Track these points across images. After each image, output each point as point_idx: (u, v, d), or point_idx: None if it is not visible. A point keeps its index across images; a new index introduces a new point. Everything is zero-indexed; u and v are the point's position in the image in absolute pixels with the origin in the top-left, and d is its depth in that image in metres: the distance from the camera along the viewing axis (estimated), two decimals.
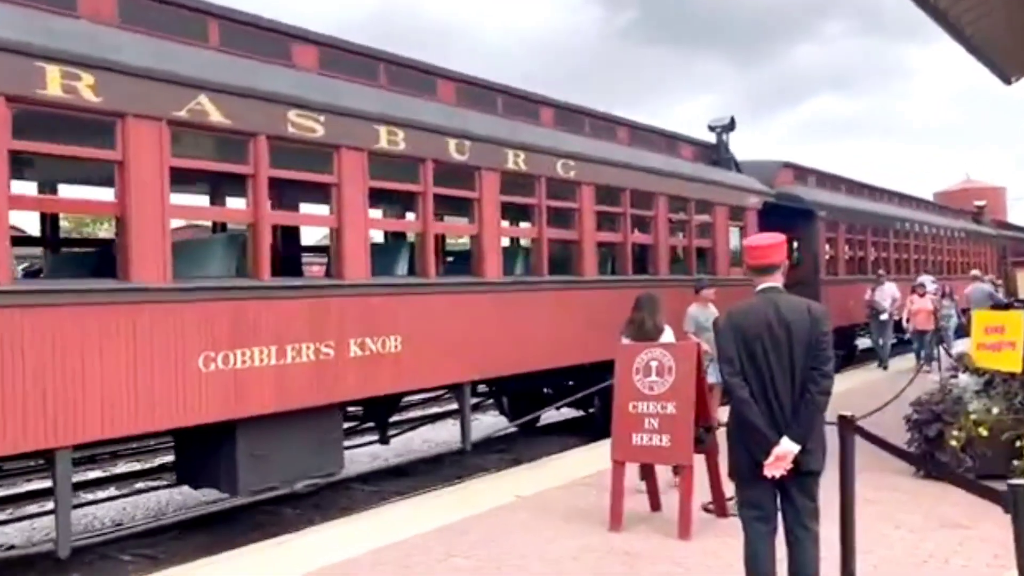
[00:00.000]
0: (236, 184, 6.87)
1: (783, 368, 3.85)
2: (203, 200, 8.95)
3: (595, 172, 10.13)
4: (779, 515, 3.98)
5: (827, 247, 16.84)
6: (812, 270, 16.13)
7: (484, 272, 8.53)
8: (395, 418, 10.78)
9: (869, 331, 16.84)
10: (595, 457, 7.88)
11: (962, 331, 15.08)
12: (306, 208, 9.19)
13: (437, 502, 7.03)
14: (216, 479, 6.51)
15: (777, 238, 4.27)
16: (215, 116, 6.03)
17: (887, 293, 15.81)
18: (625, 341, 6.76)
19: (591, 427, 12.04)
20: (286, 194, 8.33)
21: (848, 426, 4.25)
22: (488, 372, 8.73)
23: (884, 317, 15.78)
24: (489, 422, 13.86)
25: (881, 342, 16.10)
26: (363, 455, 10.43)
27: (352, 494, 8.67)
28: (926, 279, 16.74)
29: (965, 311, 15.93)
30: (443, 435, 12.50)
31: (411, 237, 8.77)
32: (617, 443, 6.11)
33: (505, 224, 9.70)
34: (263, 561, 5.52)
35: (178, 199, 6.53)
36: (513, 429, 11.72)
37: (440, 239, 11.77)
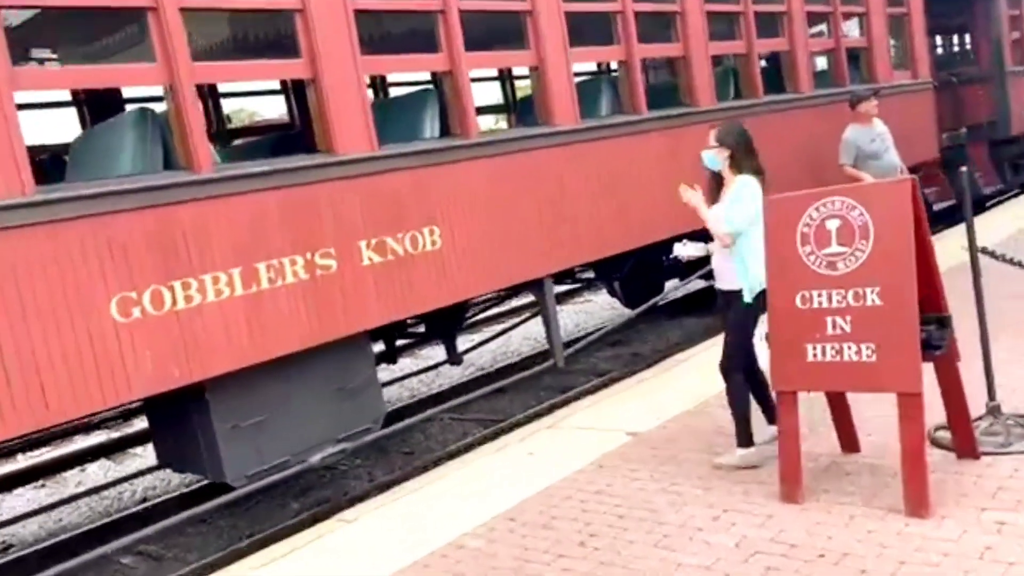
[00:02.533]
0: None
1: None
2: None
3: None
4: None
5: (1010, 28, 13.01)
6: (994, 60, 12.53)
7: (552, 116, 6.01)
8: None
9: None
10: None
11: None
12: None
13: (514, 456, 4.91)
14: (198, 462, 4.58)
15: None
16: None
17: None
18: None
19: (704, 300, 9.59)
20: None
21: None
22: (580, 257, 6.37)
23: None
24: (596, 308, 11.60)
25: None
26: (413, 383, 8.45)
27: (409, 438, 6.69)
28: None
29: None
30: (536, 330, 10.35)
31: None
32: (780, 361, 3.69)
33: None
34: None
35: None
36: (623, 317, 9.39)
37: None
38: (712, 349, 6.69)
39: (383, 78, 8.58)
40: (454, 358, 6.80)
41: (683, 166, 6.90)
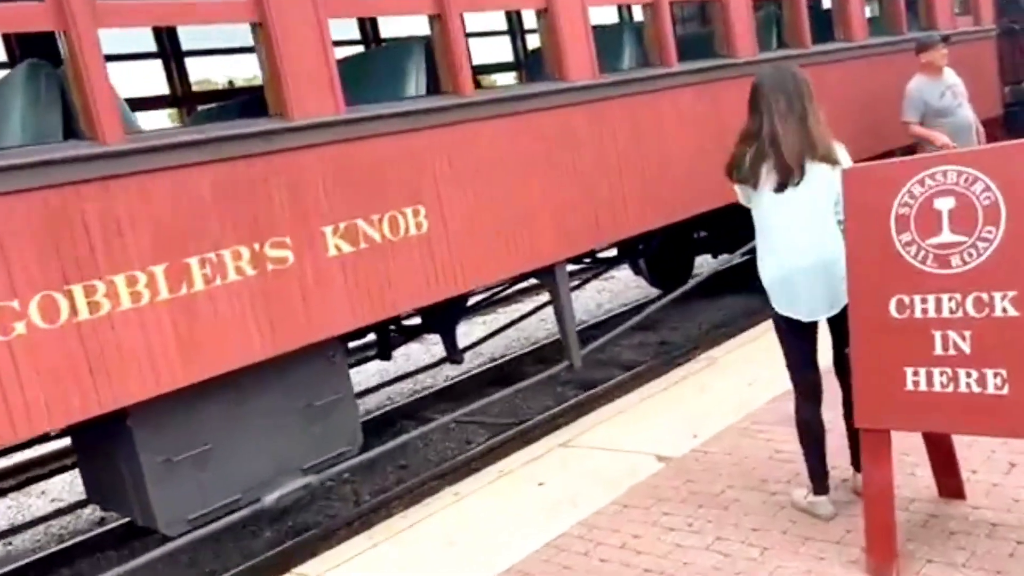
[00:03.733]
0: None
1: None
2: None
3: None
4: None
5: None
6: None
7: (566, 69, 5.00)
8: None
9: None
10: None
11: None
12: None
13: (519, 487, 4.00)
14: (125, 503, 3.71)
15: None
16: None
17: None
18: (739, 191, 3.22)
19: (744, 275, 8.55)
20: None
21: None
22: (598, 238, 5.40)
23: None
24: (619, 286, 10.58)
25: None
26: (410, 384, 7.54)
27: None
28: None
29: None
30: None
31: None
32: (867, 391, 2.72)
33: None
34: None
35: None
36: (651, 298, 8.40)
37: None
38: (756, 340, 5.73)
39: (374, 30, 7.58)
40: (454, 356, 5.87)
41: (720, 127, 5.90)
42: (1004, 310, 2.46)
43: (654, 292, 9.08)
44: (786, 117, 2.96)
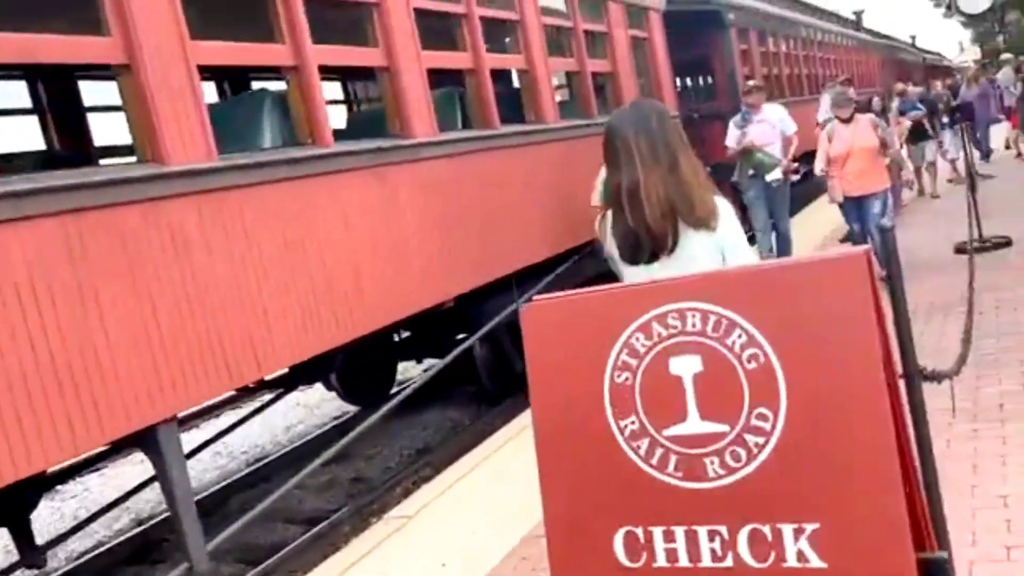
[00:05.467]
0: None
1: None
2: None
3: None
4: None
5: (742, 64, 12.43)
6: (729, 94, 11.83)
7: (164, 152, 3.54)
8: None
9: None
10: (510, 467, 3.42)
11: None
12: None
13: None
14: None
15: None
16: None
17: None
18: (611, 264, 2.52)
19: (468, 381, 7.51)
20: None
21: None
22: (226, 386, 3.88)
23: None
24: (314, 398, 8.95)
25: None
26: None
27: None
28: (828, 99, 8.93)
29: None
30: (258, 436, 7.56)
31: None
32: None
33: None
34: None
35: None
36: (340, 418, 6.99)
37: None
38: (464, 480, 4.55)
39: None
40: (32, 558, 3.99)
41: (396, 218, 4.78)
42: (801, 556, 1.38)
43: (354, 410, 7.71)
44: (650, 167, 2.32)
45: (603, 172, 5.87)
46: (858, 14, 27.06)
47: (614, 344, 1.51)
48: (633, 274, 2.34)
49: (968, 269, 5.66)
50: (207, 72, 6.68)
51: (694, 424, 1.46)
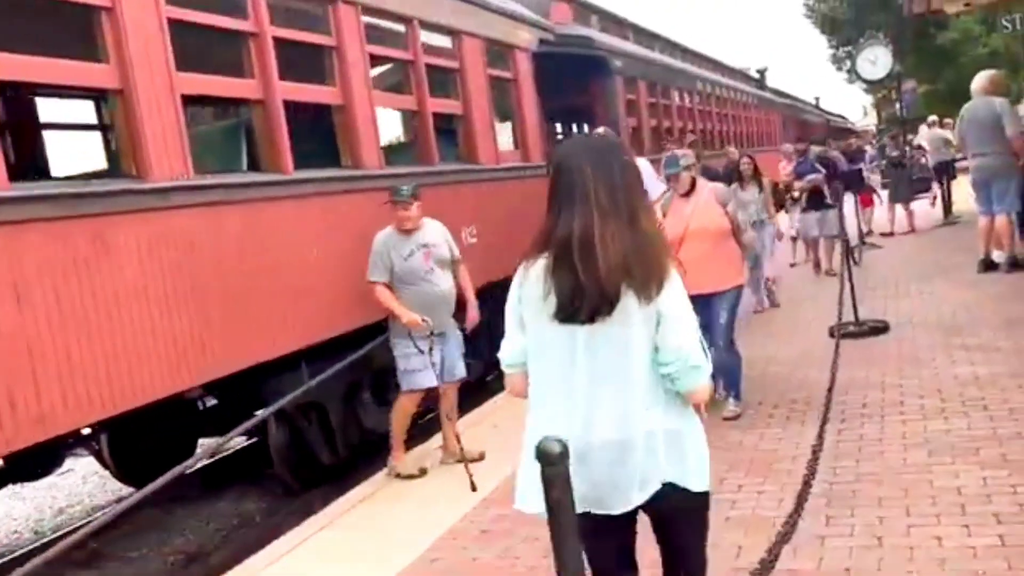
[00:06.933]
0: None
1: None
2: None
3: None
4: None
5: (627, 114, 11.70)
6: None
7: None
8: None
9: None
10: None
11: None
12: None
13: None
14: None
15: None
16: None
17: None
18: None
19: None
20: None
21: None
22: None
23: None
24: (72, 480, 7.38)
25: None
26: None
27: None
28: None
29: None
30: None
31: None
32: None
33: None
34: None
35: None
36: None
37: None
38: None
39: None
40: None
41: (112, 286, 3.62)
42: None
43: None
44: (608, 214, 2.02)
45: (380, 236, 4.82)
46: (762, 72, 27.16)
47: None
48: (554, 333, 2.06)
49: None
50: None
51: None
